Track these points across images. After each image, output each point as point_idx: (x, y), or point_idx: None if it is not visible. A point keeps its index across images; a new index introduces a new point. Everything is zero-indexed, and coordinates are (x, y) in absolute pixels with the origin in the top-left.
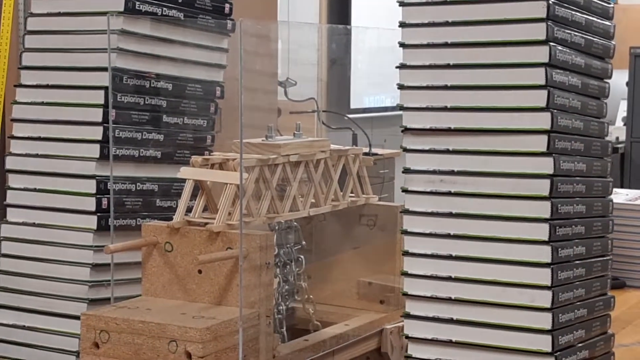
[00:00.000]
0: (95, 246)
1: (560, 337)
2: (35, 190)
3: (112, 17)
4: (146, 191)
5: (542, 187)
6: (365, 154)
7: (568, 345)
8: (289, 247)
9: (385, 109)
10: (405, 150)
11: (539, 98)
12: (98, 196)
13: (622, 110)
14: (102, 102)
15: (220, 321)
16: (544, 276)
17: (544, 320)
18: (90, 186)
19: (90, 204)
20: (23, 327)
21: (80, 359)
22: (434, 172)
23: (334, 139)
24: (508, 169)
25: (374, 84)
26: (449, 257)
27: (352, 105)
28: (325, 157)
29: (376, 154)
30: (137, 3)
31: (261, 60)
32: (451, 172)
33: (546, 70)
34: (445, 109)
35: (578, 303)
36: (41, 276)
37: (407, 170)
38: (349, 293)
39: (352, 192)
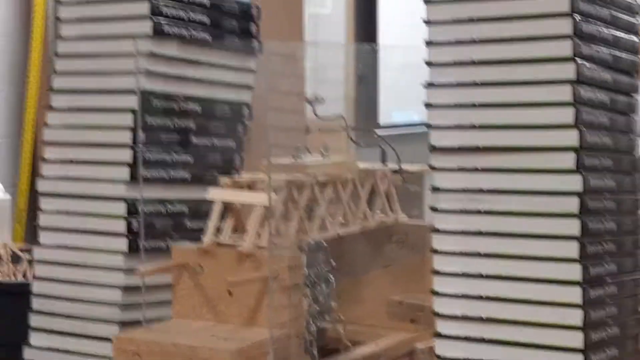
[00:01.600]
0: (126, 268)
1: (592, 355)
2: (66, 213)
3: (140, 40)
4: (176, 213)
5: (571, 204)
6: (395, 171)
7: None
8: (318, 267)
9: (415, 125)
10: (433, 168)
11: (567, 115)
12: (128, 218)
13: None
14: (131, 124)
15: (250, 343)
16: (574, 294)
17: (576, 339)
18: (120, 208)
19: (120, 226)
20: (56, 350)
21: None
22: (462, 191)
23: (363, 156)
24: (537, 186)
25: (402, 100)
26: (479, 276)
27: (381, 122)
28: (354, 177)
29: (405, 171)
30: (165, 26)
31: (288, 80)
32: (480, 191)
33: (573, 87)
34: (472, 127)
35: (610, 321)
36: (73, 298)
37: (435, 189)
38: (379, 312)
39: (381, 211)
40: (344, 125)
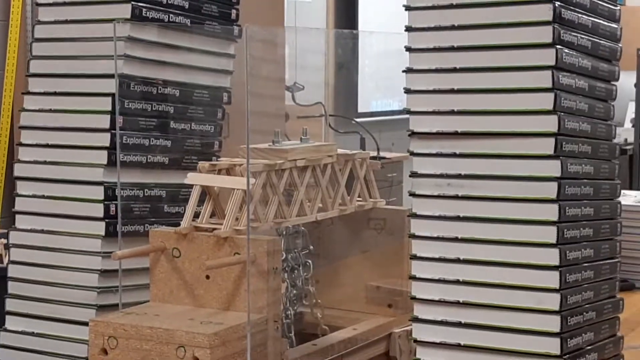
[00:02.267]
0: (104, 252)
1: (569, 340)
2: (43, 197)
3: (119, 24)
4: (154, 197)
5: (550, 189)
6: (373, 157)
7: (577, 348)
8: (296, 251)
9: (393, 112)
10: (412, 154)
11: (546, 101)
12: (106, 202)
13: (631, 111)
14: (109, 108)
15: (228, 326)
16: (552, 279)
17: (553, 323)
18: (98, 192)
19: (98, 210)
20: (32, 334)
21: None
22: (441, 176)
23: (341, 143)
24: (515, 172)
25: (381, 87)
26: (457, 261)
27: (360, 109)
28: (333, 161)
29: (384, 158)
30: (144, 10)
31: (268, 65)
32: (458, 176)
33: (553, 73)
34: (452, 112)
35: (587, 306)
36: (49, 283)
37: (414, 174)
38: (357, 297)
39: (359, 197)
40: (323, 112)
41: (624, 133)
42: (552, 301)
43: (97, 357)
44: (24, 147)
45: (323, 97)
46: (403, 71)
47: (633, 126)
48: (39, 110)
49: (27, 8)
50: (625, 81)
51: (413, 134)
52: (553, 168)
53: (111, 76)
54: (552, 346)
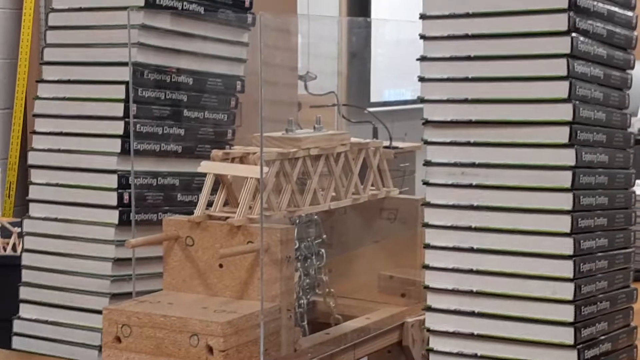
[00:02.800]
0: (117, 241)
1: (582, 329)
2: (57, 185)
3: (132, 11)
4: (167, 185)
5: (564, 179)
6: (386, 147)
7: (590, 338)
8: (309, 240)
9: (406, 102)
10: (426, 142)
11: (561, 89)
12: (119, 191)
13: None
14: (123, 97)
15: (241, 315)
16: (566, 268)
17: (567, 313)
18: (112, 181)
19: (111, 198)
20: (46, 322)
21: (102, 353)
22: (455, 165)
23: (354, 133)
24: (529, 161)
25: (394, 76)
26: (471, 250)
27: (372, 99)
28: (346, 150)
29: (397, 147)
30: None
31: (281, 53)
32: (472, 165)
33: (568, 61)
34: (466, 101)
35: (601, 295)
36: (63, 271)
37: (428, 163)
38: (370, 286)
39: (372, 186)
40: (335, 101)
41: (638, 122)
42: (566, 291)
43: (111, 345)
44: (38, 135)
45: (336, 87)
46: (417, 59)
47: None
48: (52, 98)
49: None
50: None
51: (427, 122)
52: (568, 157)
53: (125, 64)
54: (566, 336)
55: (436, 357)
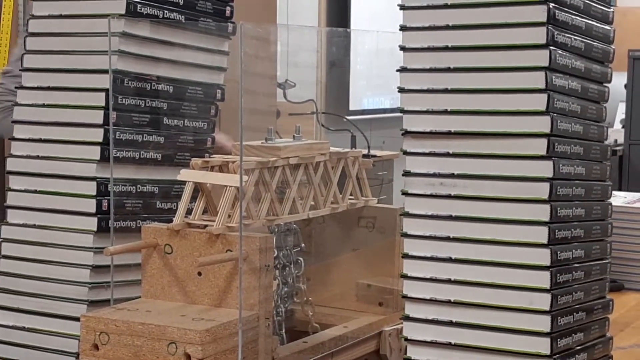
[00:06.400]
0: (96, 248)
1: (559, 340)
2: (35, 192)
3: (113, 19)
4: (146, 193)
5: (542, 190)
6: (364, 156)
7: (567, 348)
8: (288, 249)
9: (384, 110)
10: (406, 153)
11: (539, 102)
12: (98, 198)
13: (621, 112)
14: (102, 104)
15: (219, 323)
16: (543, 279)
17: (543, 323)
18: (91, 188)
19: (90, 205)
20: (23, 329)
21: None
22: (434, 175)
23: (332, 141)
24: (508, 172)
25: (372, 86)
26: (449, 260)
27: (352, 107)
28: (325, 159)
29: (375, 156)
30: (139, 5)
31: (261, 62)
32: (451, 175)
33: (546, 74)
34: (445, 112)
35: (577, 306)
36: (41, 277)
37: (407, 173)
38: (348, 295)
39: (351, 195)
40: (314, 109)
41: (614, 134)
42: (543, 301)
43: (88, 353)
44: (17, 141)
45: (315, 95)
46: (397, 70)
47: (623, 127)
48: (32, 104)
49: (20, 2)
50: (616, 82)
51: (406, 133)
52: (545, 169)
53: (105, 71)
54: (542, 346)
55: None
